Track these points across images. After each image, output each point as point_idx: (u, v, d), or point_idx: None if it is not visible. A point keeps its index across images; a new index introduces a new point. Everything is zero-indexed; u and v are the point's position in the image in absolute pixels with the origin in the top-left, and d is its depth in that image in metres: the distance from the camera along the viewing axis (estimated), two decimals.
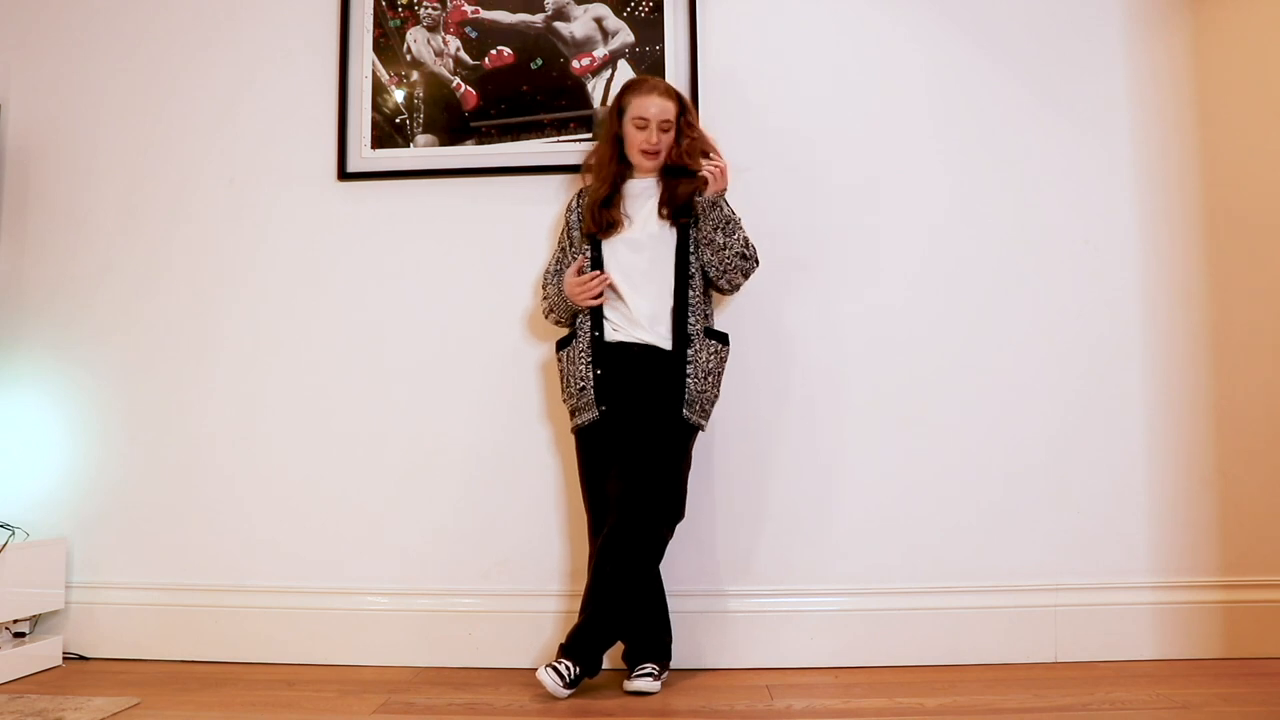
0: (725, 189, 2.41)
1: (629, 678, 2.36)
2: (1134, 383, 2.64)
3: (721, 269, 2.41)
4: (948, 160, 2.69)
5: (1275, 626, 2.56)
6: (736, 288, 2.48)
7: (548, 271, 2.55)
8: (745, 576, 2.59)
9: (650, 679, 2.34)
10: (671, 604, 2.51)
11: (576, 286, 2.42)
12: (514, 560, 2.65)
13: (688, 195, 2.40)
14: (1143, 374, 2.64)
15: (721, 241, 2.40)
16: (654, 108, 2.42)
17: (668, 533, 2.34)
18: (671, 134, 2.43)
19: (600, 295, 2.41)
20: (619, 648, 2.47)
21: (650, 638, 2.43)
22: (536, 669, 2.26)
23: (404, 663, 2.61)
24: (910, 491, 2.62)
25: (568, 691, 2.24)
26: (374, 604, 2.66)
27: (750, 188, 2.60)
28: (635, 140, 2.44)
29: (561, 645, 2.30)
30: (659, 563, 2.36)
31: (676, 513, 2.36)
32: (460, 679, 2.49)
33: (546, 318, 2.55)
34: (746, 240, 2.43)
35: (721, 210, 2.40)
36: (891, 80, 2.72)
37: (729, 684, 2.41)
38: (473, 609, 2.63)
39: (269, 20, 2.83)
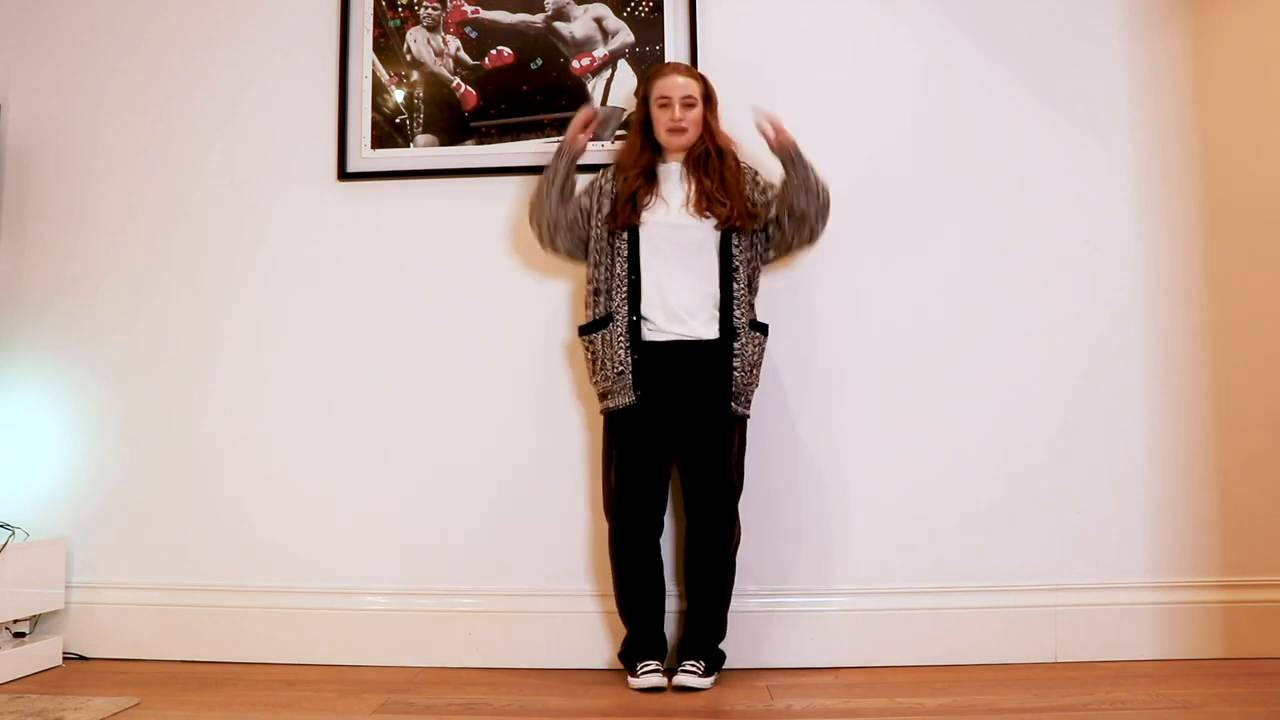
0: (790, 140, 2.40)
1: (635, 674, 2.37)
2: (1134, 382, 2.64)
3: (816, 206, 2.44)
4: (947, 159, 2.69)
5: (1275, 626, 2.56)
6: (816, 235, 2.49)
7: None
8: (745, 577, 2.58)
9: (658, 674, 2.36)
10: (671, 604, 2.52)
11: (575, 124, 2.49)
12: (514, 560, 2.65)
13: (723, 207, 2.41)
14: (1143, 374, 2.64)
15: (804, 204, 2.43)
16: (674, 85, 2.45)
17: (738, 516, 2.45)
18: (697, 110, 2.46)
19: (587, 130, 2.49)
20: (616, 646, 2.49)
21: (661, 634, 2.46)
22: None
23: (404, 663, 2.61)
24: (910, 491, 2.62)
25: (709, 681, 2.37)
26: (374, 604, 2.66)
27: None
28: (661, 120, 2.46)
29: (681, 644, 2.45)
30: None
31: (737, 499, 2.45)
32: (460, 679, 2.49)
33: (534, 211, 2.52)
34: (826, 187, 2.46)
35: (801, 168, 2.41)
36: (891, 80, 2.72)
37: (729, 684, 2.41)
38: (473, 609, 2.63)
39: (269, 20, 2.83)
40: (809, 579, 2.61)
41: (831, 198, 2.47)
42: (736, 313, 2.41)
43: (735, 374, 2.39)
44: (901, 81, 2.72)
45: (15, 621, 2.60)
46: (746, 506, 2.57)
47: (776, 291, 2.63)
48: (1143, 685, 2.32)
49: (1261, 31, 2.71)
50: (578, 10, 2.75)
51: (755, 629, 2.57)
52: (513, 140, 2.74)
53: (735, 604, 2.52)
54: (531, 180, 2.70)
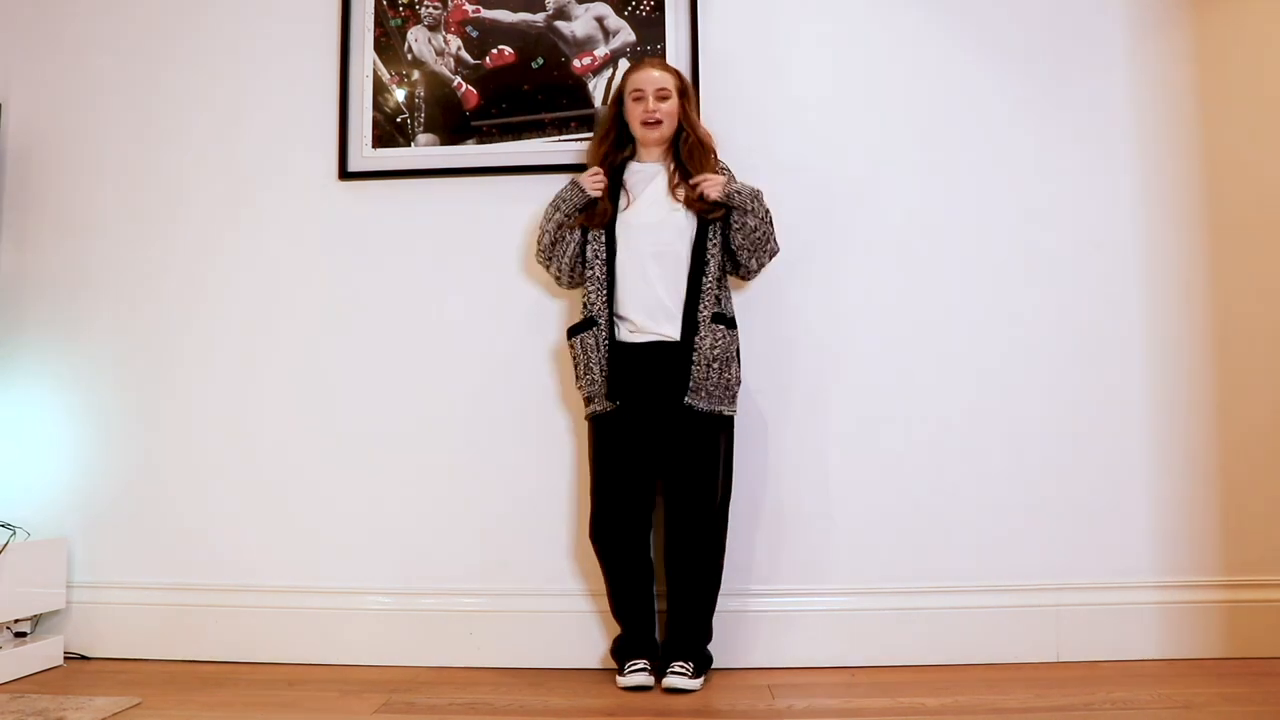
0: (721, 192, 2.40)
1: (622, 673, 2.38)
2: (1136, 382, 2.63)
3: (750, 248, 2.46)
4: (949, 159, 2.69)
5: (1278, 626, 2.55)
6: (760, 268, 2.53)
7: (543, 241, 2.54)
8: (746, 576, 2.59)
9: (644, 674, 2.36)
10: (664, 604, 2.51)
11: (593, 173, 2.47)
12: (514, 560, 2.65)
13: (700, 197, 2.42)
14: (1145, 373, 2.63)
15: (750, 223, 2.43)
16: (649, 78, 2.46)
17: (723, 519, 2.45)
18: (671, 103, 2.46)
19: (601, 188, 2.46)
20: (608, 643, 2.51)
21: (652, 635, 2.46)
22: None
23: (404, 663, 2.61)
24: (911, 490, 2.62)
25: (699, 682, 2.36)
26: (375, 604, 2.65)
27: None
28: (635, 113, 2.47)
29: (668, 646, 2.41)
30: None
31: (725, 500, 2.46)
32: (460, 679, 2.49)
33: (541, 241, 2.52)
34: (768, 214, 2.47)
35: (737, 200, 2.41)
36: (893, 79, 2.72)
37: (730, 684, 2.41)
38: (473, 609, 2.63)
39: (270, 20, 2.83)
40: (811, 578, 2.60)
41: (771, 242, 2.49)
42: (701, 308, 2.40)
43: (693, 368, 2.37)
44: (903, 81, 2.71)
45: (16, 621, 2.60)
46: (748, 506, 2.58)
47: (777, 289, 2.63)
48: (1145, 685, 2.32)
49: (1261, 31, 2.70)
50: (579, 9, 2.75)
51: (756, 628, 2.57)
52: (514, 139, 2.74)
53: (737, 603, 2.52)
54: (532, 180, 2.71)
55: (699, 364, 2.38)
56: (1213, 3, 2.71)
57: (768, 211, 2.47)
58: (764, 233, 2.46)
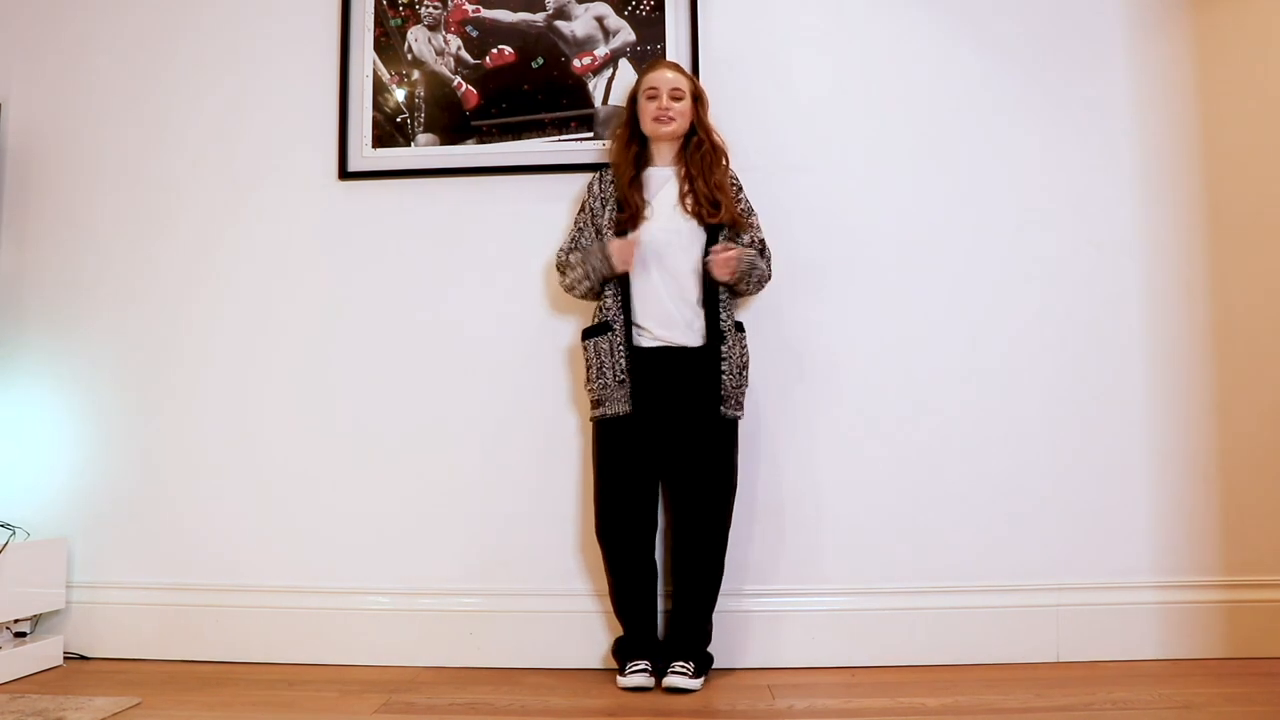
0: (730, 277, 2.41)
1: (623, 673, 2.38)
2: (1136, 381, 2.63)
3: (743, 291, 2.54)
4: (949, 158, 2.69)
5: (1278, 626, 2.55)
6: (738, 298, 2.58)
7: (562, 250, 2.54)
8: (746, 576, 2.59)
9: (645, 674, 2.35)
10: (662, 604, 2.51)
11: (623, 249, 2.40)
12: (514, 560, 2.65)
13: (714, 206, 2.43)
14: (1145, 372, 2.63)
15: (745, 286, 2.50)
16: (663, 78, 2.48)
17: (730, 521, 2.47)
18: (685, 104, 2.48)
19: (631, 265, 2.42)
20: (609, 643, 2.51)
21: (654, 635, 2.46)
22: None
23: (404, 663, 2.60)
24: (911, 490, 2.62)
25: (699, 682, 2.35)
26: (374, 604, 2.65)
27: (751, 187, 2.60)
28: (648, 111, 2.47)
29: (664, 644, 2.42)
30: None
31: (732, 500, 2.46)
32: (460, 679, 2.48)
33: (571, 291, 2.52)
34: (766, 269, 2.51)
35: (749, 277, 2.46)
36: (893, 80, 2.72)
37: (730, 683, 2.41)
38: (473, 609, 2.62)
39: (270, 19, 2.83)
40: (811, 578, 2.60)
41: (769, 279, 2.55)
42: (722, 315, 2.42)
43: (724, 378, 2.40)
44: (903, 81, 2.71)
45: (16, 621, 2.60)
46: (747, 506, 2.57)
47: (776, 288, 2.62)
48: (1145, 685, 2.32)
49: (1261, 31, 2.70)
50: (579, 9, 2.75)
51: (756, 628, 2.57)
52: (514, 139, 2.73)
53: (737, 603, 2.52)
54: (532, 179, 2.71)
55: (730, 372, 2.41)
56: (1213, 2, 2.71)
57: (760, 287, 2.52)
58: (747, 295, 2.55)
